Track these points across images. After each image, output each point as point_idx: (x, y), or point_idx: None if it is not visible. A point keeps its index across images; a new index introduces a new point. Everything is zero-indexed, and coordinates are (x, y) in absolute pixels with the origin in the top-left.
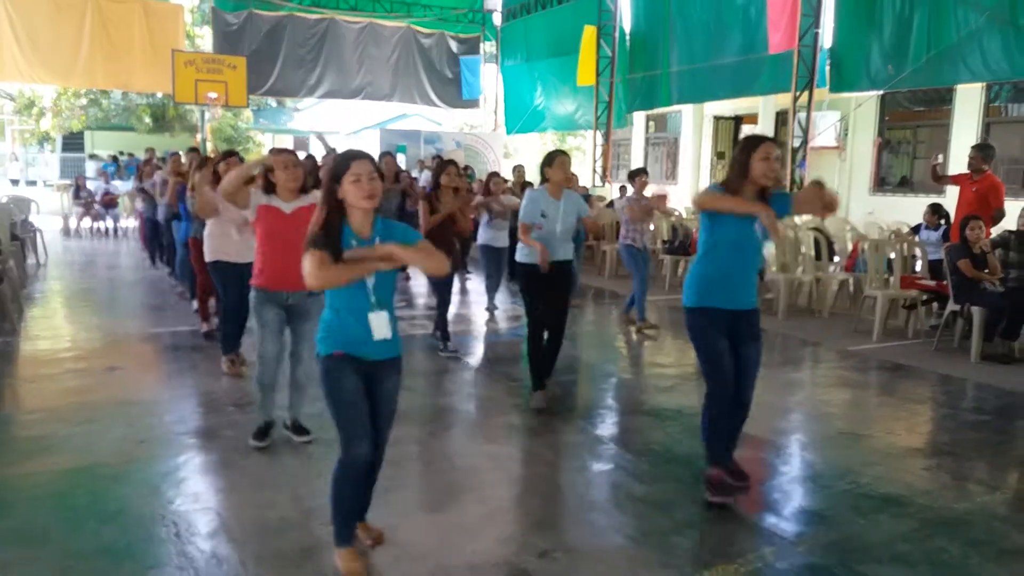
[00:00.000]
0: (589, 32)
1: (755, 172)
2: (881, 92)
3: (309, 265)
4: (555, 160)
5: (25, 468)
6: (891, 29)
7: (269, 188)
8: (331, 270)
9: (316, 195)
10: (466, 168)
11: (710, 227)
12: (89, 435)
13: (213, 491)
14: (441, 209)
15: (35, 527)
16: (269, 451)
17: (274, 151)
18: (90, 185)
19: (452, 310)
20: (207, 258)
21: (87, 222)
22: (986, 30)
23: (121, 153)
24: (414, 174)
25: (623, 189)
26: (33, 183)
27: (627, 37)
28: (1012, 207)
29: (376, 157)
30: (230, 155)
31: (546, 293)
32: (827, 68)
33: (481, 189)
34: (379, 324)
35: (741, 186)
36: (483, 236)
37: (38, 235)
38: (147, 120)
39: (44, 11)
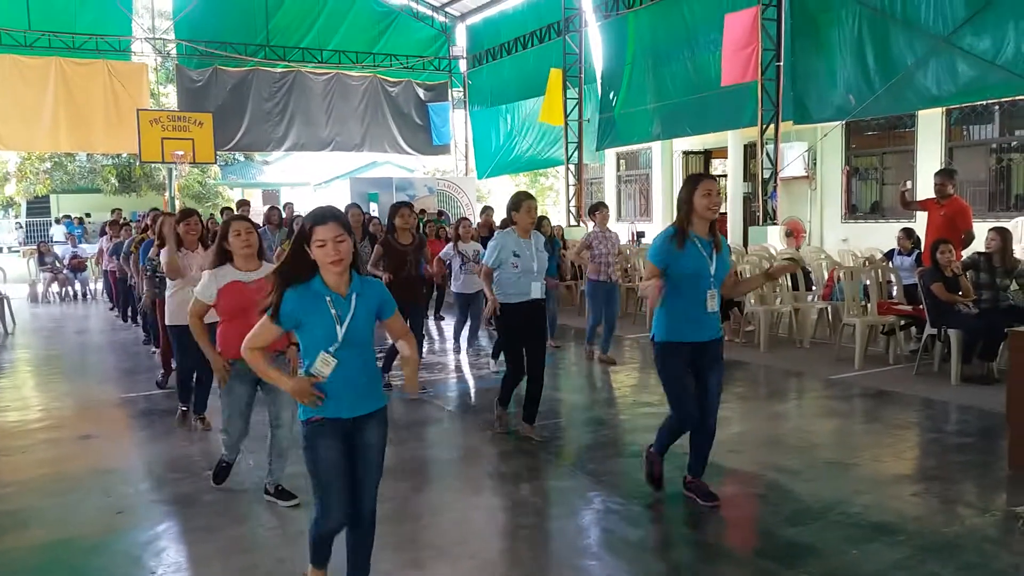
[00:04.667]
0: (555, 75)
1: (698, 208)
2: (843, 122)
3: (253, 333)
4: (521, 205)
5: (0, 544)
6: (846, 59)
7: (224, 257)
8: (257, 356)
9: (269, 267)
10: (440, 213)
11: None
12: (65, 506)
13: (195, 558)
14: (399, 246)
15: None
16: (249, 515)
17: (234, 215)
18: (57, 249)
19: (427, 358)
20: (167, 321)
21: (55, 287)
22: (933, 55)
23: (88, 215)
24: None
25: None
26: None
27: (596, 76)
28: (980, 228)
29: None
30: (189, 214)
31: (524, 333)
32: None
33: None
34: (322, 364)
35: (691, 222)
36: (456, 284)
37: (4, 303)
38: (113, 181)
39: (7, 78)
